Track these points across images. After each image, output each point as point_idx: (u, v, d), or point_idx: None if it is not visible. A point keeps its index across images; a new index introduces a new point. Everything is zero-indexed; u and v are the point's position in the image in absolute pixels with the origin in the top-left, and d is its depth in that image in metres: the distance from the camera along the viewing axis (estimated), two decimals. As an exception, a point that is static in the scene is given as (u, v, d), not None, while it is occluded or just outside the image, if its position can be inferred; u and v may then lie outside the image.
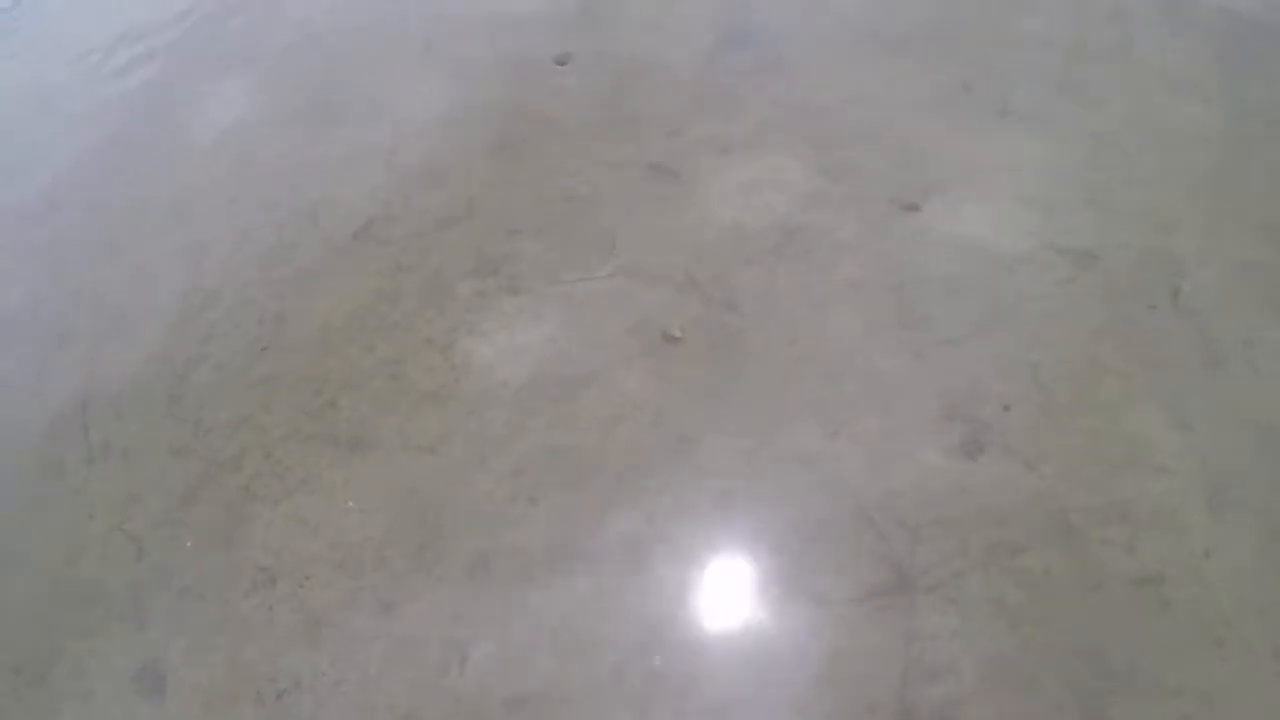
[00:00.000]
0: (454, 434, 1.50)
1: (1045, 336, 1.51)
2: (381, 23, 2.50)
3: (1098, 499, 1.34)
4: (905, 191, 1.73)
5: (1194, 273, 1.60)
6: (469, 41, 2.34)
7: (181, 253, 1.94)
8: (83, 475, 1.58)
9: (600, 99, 2.07)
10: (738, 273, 1.65)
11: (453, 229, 1.84)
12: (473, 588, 1.34)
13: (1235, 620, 1.25)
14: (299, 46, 2.50)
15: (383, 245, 1.83)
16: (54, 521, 1.53)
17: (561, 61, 2.17)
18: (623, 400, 1.52)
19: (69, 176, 2.22)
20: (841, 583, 1.28)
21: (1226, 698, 1.19)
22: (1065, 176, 1.75)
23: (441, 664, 1.27)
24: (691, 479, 1.42)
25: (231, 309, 1.79)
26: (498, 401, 1.54)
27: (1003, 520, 1.33)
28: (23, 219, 2.12)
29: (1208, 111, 1.90)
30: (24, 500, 1.57)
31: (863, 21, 2.17)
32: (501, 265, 1.75)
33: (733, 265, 1.66)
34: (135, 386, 1.70)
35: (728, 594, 1.31)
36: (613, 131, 1.97)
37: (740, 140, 1.88)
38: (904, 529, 1.32)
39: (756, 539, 1.34)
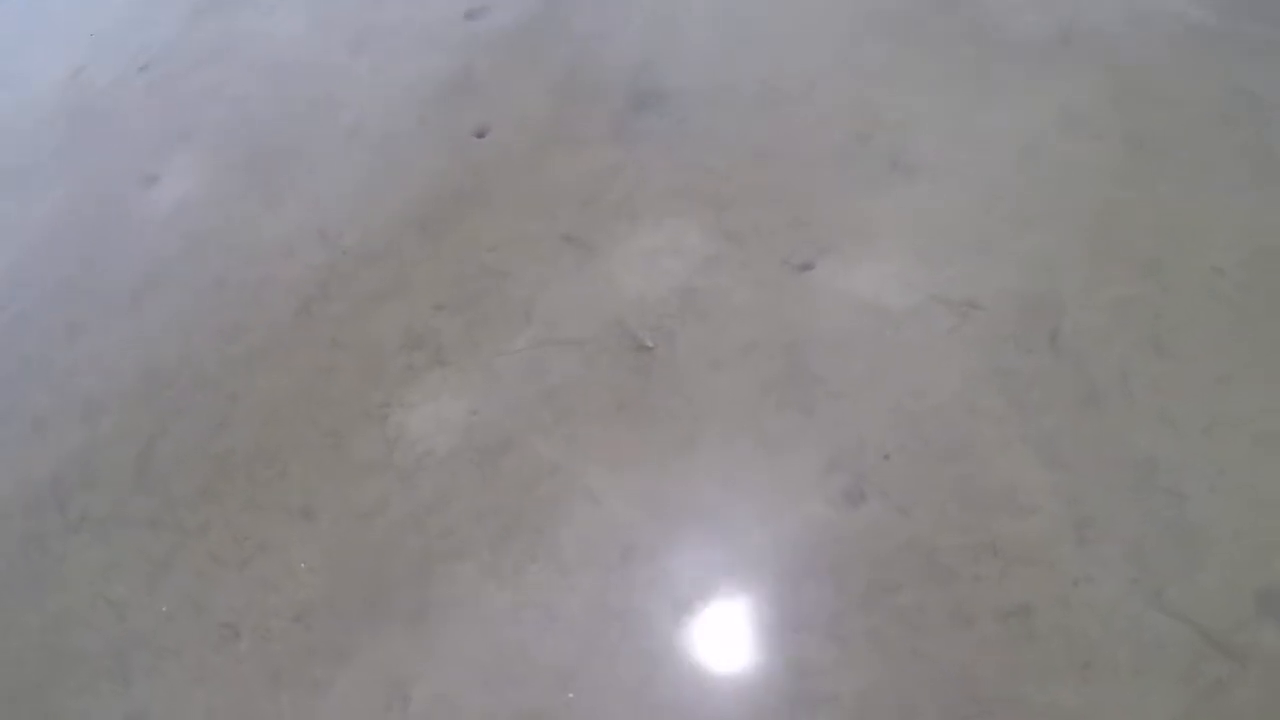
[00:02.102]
0: (391, 500, 1.80)
1: (927, 387, 1.74)
2: (312, 101, 2.83)
3: (969, 539, 1.56)
4: (799, 251, 1.97)
5: (1074, 313, 1.83)
6: (394, 118, 2.64)
7: (138, 334, 2.25)
8: (62, 547, 1.90)
9: (517, 170, 2.33)
10: (642, 333, 1.90)
11: (383, 305, 2.13)
12: (414, 635, 1.62)
13: (1101, 644, 1.47)
14: (236, 126, 2.83)
15: (321, 323, 2.14)
16: (39, 590, 1.85)
17: (480, 134, 2.43)
18: (538, 463, 1.78)
19: (31, 255, 2.57)
20: (733, 624, 1.53)
21: (1092, 714, 1.42)
22: (954, 227, 1.98)
23: (387, 703, 1.56)
24: (601, 533, 1.68)
25: (188, 388, 2.10)
26: (427, 469, 1.83)
27: (880, 562, 1.56)
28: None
29: (1098, 147, 2.15)
30: (8, 572, 1.88)
31: (759, 75, 2.42)
32: (428, 340, 2.03)
33: (638, 332, 1.92)
34: (105, 462, 2.01)
35: (631, 635, 1.54)
36: (530, 204, 2.23)
37: (646, 207, 2.13)
38: (789, 574, 1.57)
39: (656, 586, 1.59)
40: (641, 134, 2.35)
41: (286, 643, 1.67)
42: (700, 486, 1.69)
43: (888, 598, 1.51)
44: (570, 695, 1.51)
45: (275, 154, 2.66)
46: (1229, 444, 1.64)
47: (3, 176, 2.91)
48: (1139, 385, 1.73)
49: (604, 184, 2.23)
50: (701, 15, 2.64)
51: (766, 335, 1.85)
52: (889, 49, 2.45)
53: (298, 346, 2.12)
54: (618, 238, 2.09)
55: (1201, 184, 2.04)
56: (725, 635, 1.55)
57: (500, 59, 2.75)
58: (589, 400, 1.84)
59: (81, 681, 1.73)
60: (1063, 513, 1.58)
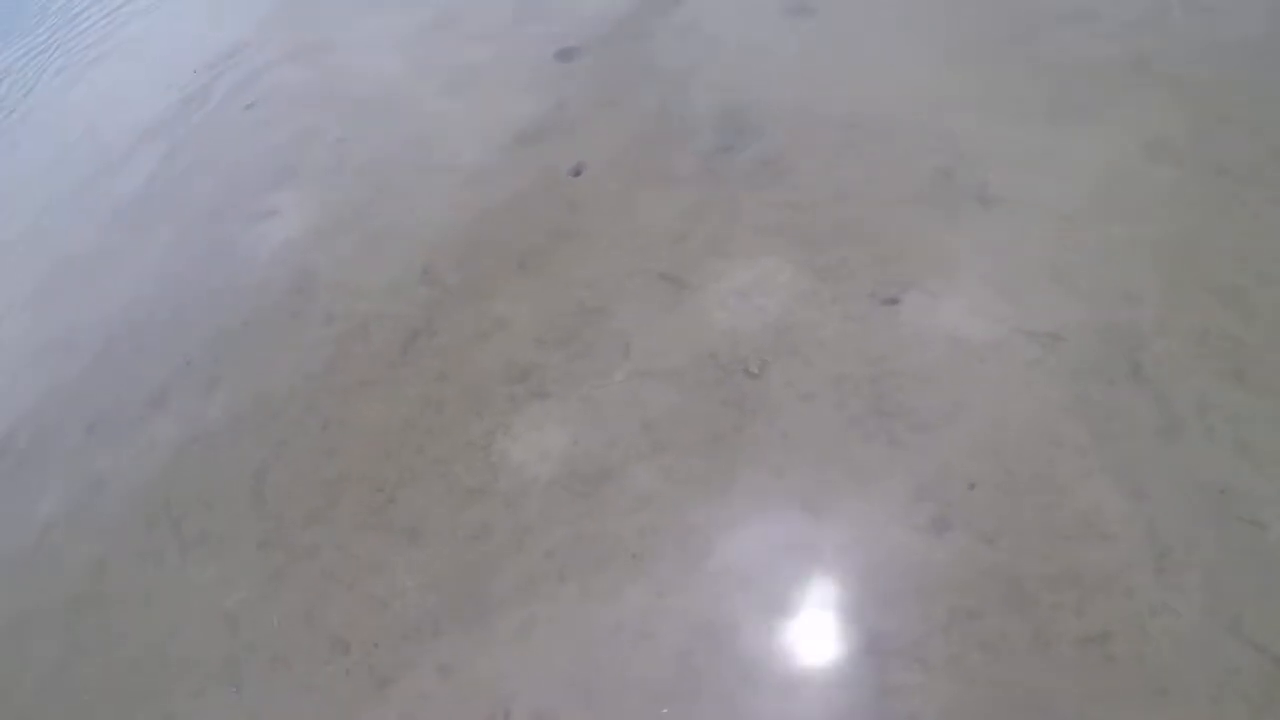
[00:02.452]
0: (495, 524, 1.97)
1: (1010, 418, 1.85)
2: (409, 141, 3.04)
3: (1050, 567, 1.67)
4: (885, 287, 2.10)
5: (1153, 344, 1.91)
6: (490, 157, 2.83)
7: (251, 364, 2.49)
8: (179, 563, 2.12)
9: (612, 208, 2.51)
10: (735, 372, 2.05)
11: (486, 341, 2.32)
12: (515, 652, 1.78)
13: (1177, 671, 1.57)
14: (337, 164, 3.08)
15: (427, 357, 2.33)
16: (157, 603, 2.06)
17: (576, 173, 2.61)
18: (636, 493, 1.94)
19: (147, 287, 2.85)
20: (821, 646, 1.66)
21: (1168, 740, 1.53)
22: (1035, 259, 2.09)
23: (490, 717, 1.70)
24: (697, 561, 1.83)
25: (299, 416, 2.30)
26: (530, 495, 2.00)
27: (963, 589, 1.68)
28: (111, 338, 2.74)
29: (1178, 174, 2.21)
30: (127, 584, 2.11)
31: (842, 112, 2.55)
32: (530, 373, 2.21)
33: (731, 366, 2.07)
34: (219, 484, 2.22)
35: (729, 655, 1.68)
36: (624, 241, 2.40)
37: (737, 245, 2.28)
38: (877, 598, 1.70)
39: (753, 609, 1.73)
40: (729, 171, 2.50)
41: (394, 656, 1.83)
42: (791, 515, 1.82)
43: (970, 623, 1.64)
44: (665, 711, 1.65)
45: (377, 193, 2.89)
46: (1308, 474, 1.72)
47: (115, 211, 3.22)
48: (1218, 415, 1.80)
49: (695, 222, 2.39)
50: (786, 53, 2.79)
51: (855, 368, 1.98)
52: (969, 81, 2.56)
53: (405, 379, 2.30)
54: (711, 274, 2.24)
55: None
56: (813, 655, 1.67)
57: (591, 98, 2.94)
58: (685, 431, 1.98)
59: (195, 687, 1.91)
60: (1141, 541, 1.67)
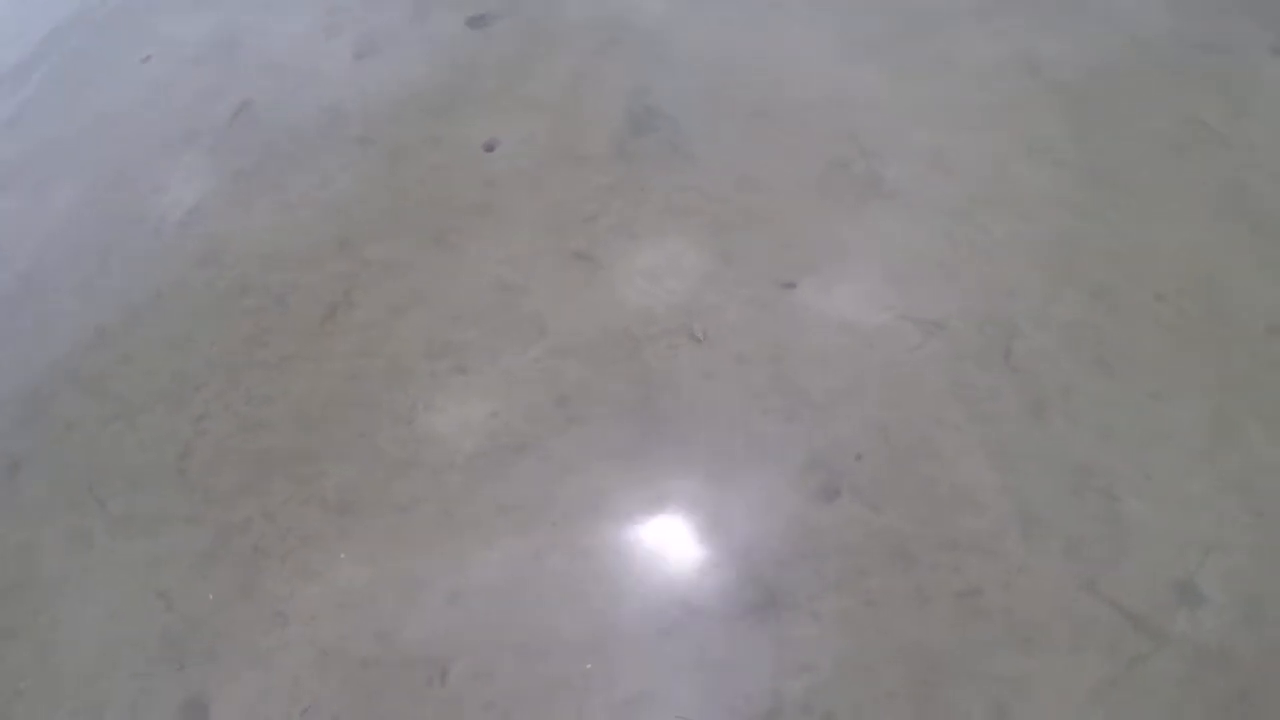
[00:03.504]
0: (422, 496, 2.03)
1: (896, 398, 2.03)
2: (321, 108, 3.01)
3: (929, 531, 1.85)
4: (785, 271, 2.26)
5: (1027, 334, 2.13)
6: (404, 129, 2.87)
7: (167, 338, 2.42)
8: (109, 543, 2.05)
9: (526, 185, 2.59)
10: (645, 350, 2.17)
11: (406, 315, 2.36)
12: (448, 617, 1.85)
13: (1040, 623, 1.77)
14: (244, 129, 3.00)
15: (348, 331, 2.35)
16: (90, 585, 2.00)
17: (489, 148, 2.68)
18: (553, 463, 2.04)
19: (48, 258, 2.70)
20: (725, 602, 1.80)
21: (1032, 683, 1.71)
22: (924, 250, 2.28)
23: (427, 679, 1.77)
24: (606, 525, 1.93)
25: (221, 391, 2.27)
26: (454, 468, 2.06)
27: (852, 551, 1.84)
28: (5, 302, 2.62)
29: (1060, 176, 2.47)
30: (59, 570, 2.04)
31: (753, 99, 2.73)
32: (450, 348, 2.27)
33: (643, 343, 2.19)
34: (146, 462, 2.17)
35: (643, 612, 1.81)
36: (539, 218, 2.49)
37: (646, 226, 2.41)
38: (772, 561, 1.84)
39: (662, 570, 1.86)
40: (641, 155, 2.61)
41: (333, 626, 1.86)
42: (695, 482, 1.95)
43: (859, 581, 1.80)
44: (588, 665, 1.77)
45: (284, 159, 2.84)
46: (1158, 453, 1.95)
47: (12, 172, 3.08)
48: (1082, 400, 2.03)
49: (606, 202, 2.50)
50: (693, 47, 2.96)
51: (755, 349, 2.13)
52: (872, 76, 2.75)
53: (326, 353, 2.31)
54: (622, 254, 2.36)
55: (1151, 213, 2.36)
56: (716, 611, 1.80)
57: (503, 69, 3.00)
58: (598, 406, 2.09)
59: (137, 667, 1.88)
60: (1011, 510, 1.87)
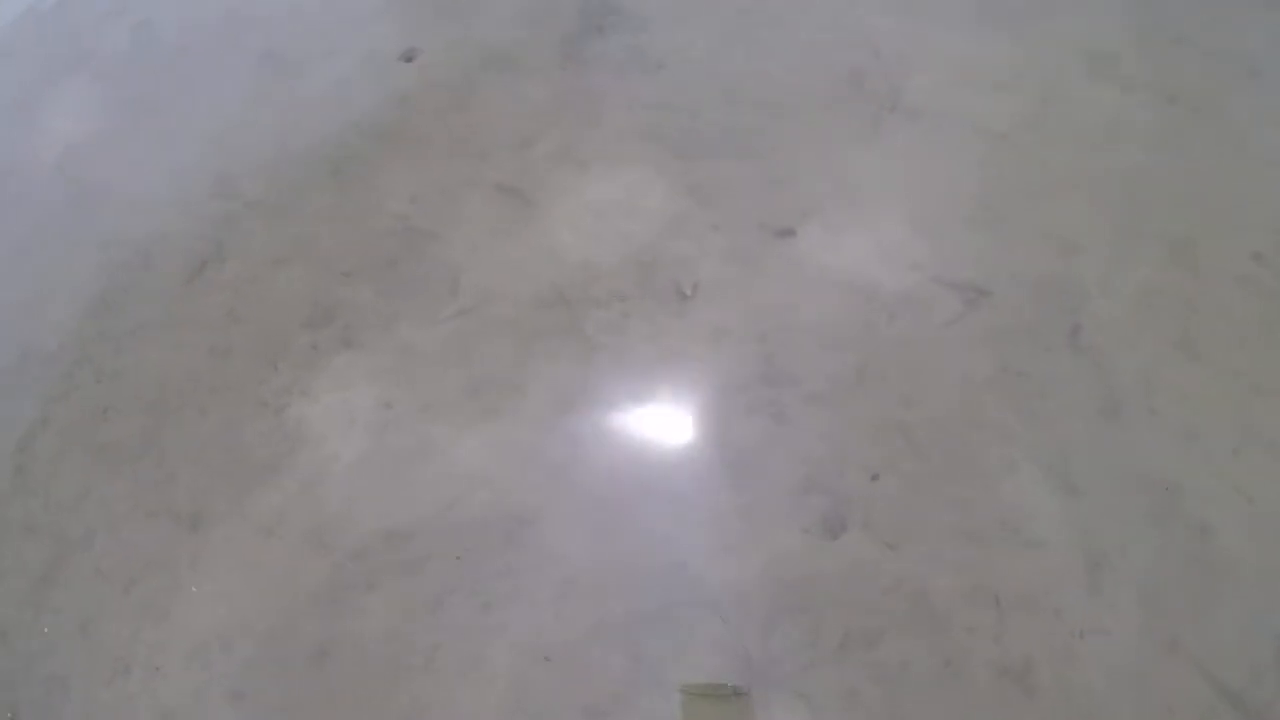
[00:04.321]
0: (291, 513, 1.56)
1: (924, 391, 1.52)
2: (215, 25, 2.47)
3: (964, 580, 1.40)
4: (779, 214, 1.71)
5: (1096, 304, 1.63)
6: (310, 40, 2.31)
7: (18, 305, 1.96)
8: None
9: (447, 103, 2.02)
10: (588, 318, 1.65)
11: (286, 270, 1.84)
12: (314, 679, 1.41)
13: (1107, 700, 1.36)
14: (135, 52, 2.47)
15: (216, 291, 1.85)
16: None
17: (408, 58, 2.11)
18: (457, 476, 1.54)
19: None
20: (686, 676, 1.32)
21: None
22: (959, 190, 1.74)
23: None
24: (530, 564, 1.47)
25: (70, 368, 1.82)
26: (332, 477, 1.58)
27: (860, 606, 1.37)
28: None
29: (1128, 102, 1.95)
30: None
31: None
32: (336, 313, 1.75)
33: (584, 309, 1.66)
34: None
35: (562, 689, 1.34)
36: (461, 144, 1.94)
37: (598, 152, 1.86)
38: (753, 617, 1.36)
39: (596, 629, 1.37)
40: (594, 61, 2.04)
41: (179, 681, 1.45)
42: (654, 511, 1.46)
43: (867, 649, 1.35)
44: None
45: (175, 86, 2.32)
46: (1261, 468, 1.51)
47: None
48: (1164, 395, 1.55)
49: (547, 122, 1.94)
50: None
51: (737, 320, 1.61)
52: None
53: (190, 319, 1.84)
54: (562, 190, 1.81)
55: (1239, 151, 1.88)
56: (671, 686, 1.34)
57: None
58: (521, 399, 1.58)
59: None
60: (1073, 547, 1.42)
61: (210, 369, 1.75)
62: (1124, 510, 1.43)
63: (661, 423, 1.54)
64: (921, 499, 1.44)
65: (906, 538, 1.40)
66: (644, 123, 1.86)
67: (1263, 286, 1.62)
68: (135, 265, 1.95)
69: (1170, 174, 1.77)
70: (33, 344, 1.88)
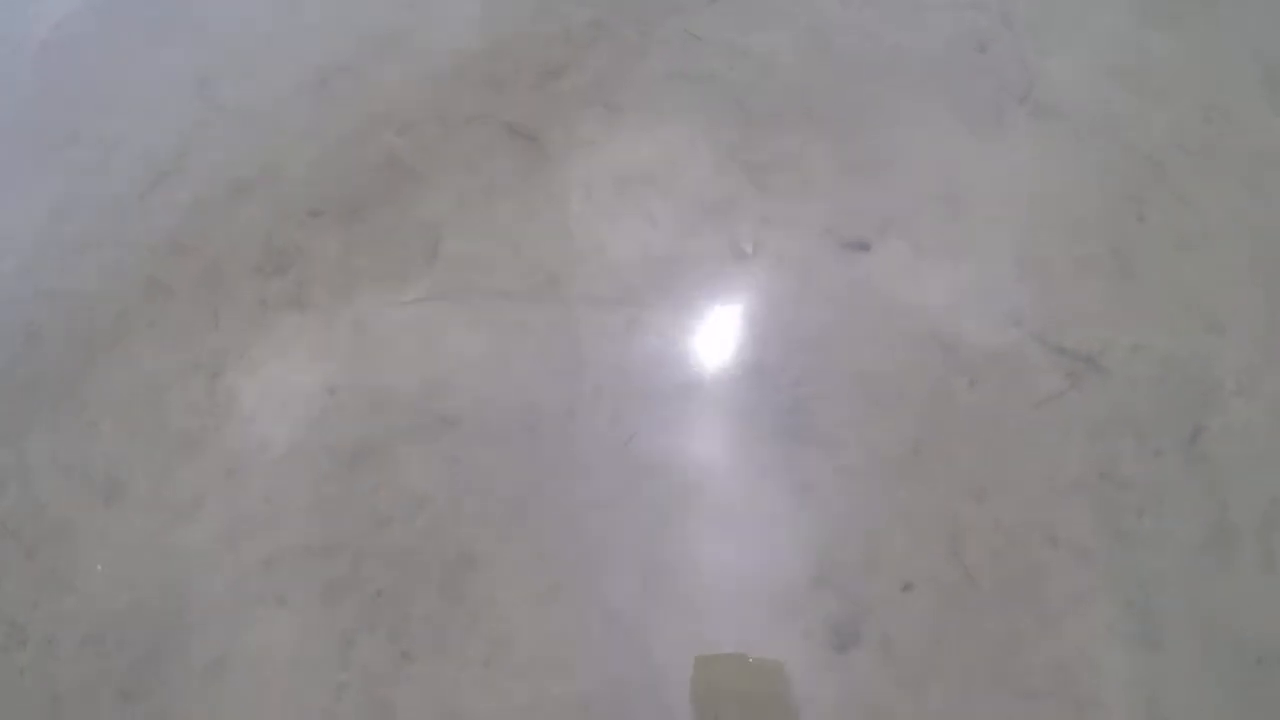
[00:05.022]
0: (208, 499, 1.33)
1: (994, 485, 1.19)
2: None
3: (999, 744, 1.16)
4: (853, 218, 1.35)
5: (1229, 404, 1.30)
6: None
7: None
8: None
9: (468, 12, 1.64)
10: (584, 322, 1.33)
11: (246, 198, 1.54)
12: (204, 689, 1.21)
13: None
14: None
15: (167, 213, 1.57)
16: None
17: None
18: (399, 489, 1.27)
19: None
20: None
21: None
22: (1087, 224, 1.36)
23: None
24: (463, 615, 1.23)
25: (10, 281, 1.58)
26: (258, 466, 1.33)
27: (853, 758, 1.15)
28: None
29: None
30: None
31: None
32: (292, 262, 1.45)
33: (582, 309, 1.33)
34: None
35: None
36: (471, 65, 1.58)
37: (636, 96, 1.49)
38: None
39: (526, 709, 1.13)
40: None
41: (72, 665, 1.28)
42: (617, 580, 1.19)
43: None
44: None
45: None
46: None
47: None
48: None
49: (583, 49, 1.56)
50: None
51: (772, 352, 1.28)
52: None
53: (136, 242, 1.58)
54: (586, 142, 1.45)
55: None
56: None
57: None
58: (487, 408, 1.30)
59: None
60: (1134, 716, 1.17)
61: (148, 307, 1.50)
62: (1205, 679, 1.14)
63: (648, 470, 1.23)
64: (960, 623, 1.15)
65: (930, 670, 1.12)
66: (702, 67, 1.47)
67: None
68: (92, 170, 1.69)
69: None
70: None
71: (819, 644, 1.14)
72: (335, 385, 1.34)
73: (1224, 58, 1.57)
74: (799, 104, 1.45)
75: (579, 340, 1.31)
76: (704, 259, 1.34)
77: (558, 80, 1.51)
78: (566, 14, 1.59)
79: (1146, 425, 1.25)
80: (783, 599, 1.16)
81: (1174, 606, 1.17)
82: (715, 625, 1.16)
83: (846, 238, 1.34)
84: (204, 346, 1.43)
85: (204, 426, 1.38)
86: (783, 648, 1.14)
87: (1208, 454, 1.24)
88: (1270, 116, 1.51)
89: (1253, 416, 1.27)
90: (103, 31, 1.93)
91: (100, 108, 1.79)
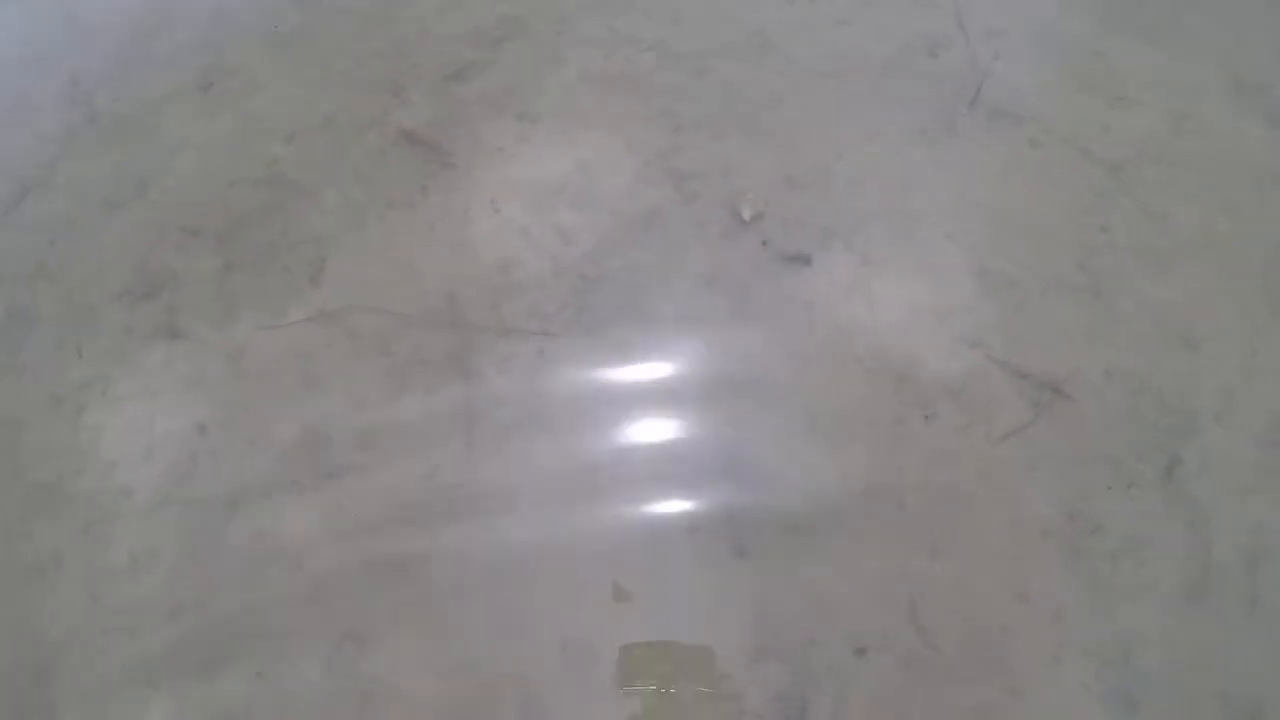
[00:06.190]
0: (67, 554, 1.18)
1: (955, 534, 1.07)
2: None
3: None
4: (792, 229, 1.23)
5: (1207, 433, 1.22)
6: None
7: None
8: None
9: (367, 8, 1.51)
10: (487, 352, 1.19)
11: (118, 215, 1.40)
12: None
13: None
14: None
15: (32, 232, 1.43)
16: None
17: None
18: (276, 545, 1.12)
19: None
20: None
21: None
22: (1052, 237, 1.26)
23: None
24: (354, 694, 1.09)
25: None
26: (120, 517, 1.18)
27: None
28: None
29: (1260, 138, 1.50)
30: None
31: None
32: (164, 285, 1.31)
33: (485, 338, 1.20)
34: None
35: None
36: (368, 65, 1.44)
37: (551, 100, 1.36)
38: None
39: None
40: None
41: None
42: (532, 655, 1.05)
43: None
44: None
45: None
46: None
47: None
48: (1268, 573, 1.19)
49: (492, 49, 1.44)
50: None
51: (699, 384, 1.16)
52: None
53: None
54: (493, 151, 1.32)
55: None
56: None
57: None
58: (373, 453, 1.15)
59: None
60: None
61: (6, 337, 1.35)
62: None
63: (556, 529, 1.09)
64: (920, 691, 1.04)
65: (883, 749, 1.01)
66: (626, 68, 1.35)
67: None
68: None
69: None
70: None
71: (760, 720, 1.01)
72: (206, 424, 1.19)
73: (1192, 65, 1.49)
74: (734, 109, 1.33)
75: (480, 373, 1.18)
76: (623, 279, 1.22)
77: (463, 83, 1.38)
78: (476, 9, 1.47)
79: (1120, 458, 1.15)
80: (719, 672, 1.04)
81: (1154, 661, 1.06)
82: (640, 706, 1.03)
83: (784, 250, 1.22)
84: (66, 381, 1.29)
85: (63, 472, 1.23)
86: (718, 726, 1.01)
87: (1186, 487, 1.14)
88: (1239, 127, 1.45)
89: (1233, 443, 1.17)
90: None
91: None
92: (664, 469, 1.13)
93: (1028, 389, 1.16)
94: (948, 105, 1.34)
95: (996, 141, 1.33)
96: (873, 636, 1.04)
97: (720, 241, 1.23)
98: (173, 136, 1.49)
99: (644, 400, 1.17)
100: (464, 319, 1.19)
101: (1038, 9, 1.51)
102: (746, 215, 1.26)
